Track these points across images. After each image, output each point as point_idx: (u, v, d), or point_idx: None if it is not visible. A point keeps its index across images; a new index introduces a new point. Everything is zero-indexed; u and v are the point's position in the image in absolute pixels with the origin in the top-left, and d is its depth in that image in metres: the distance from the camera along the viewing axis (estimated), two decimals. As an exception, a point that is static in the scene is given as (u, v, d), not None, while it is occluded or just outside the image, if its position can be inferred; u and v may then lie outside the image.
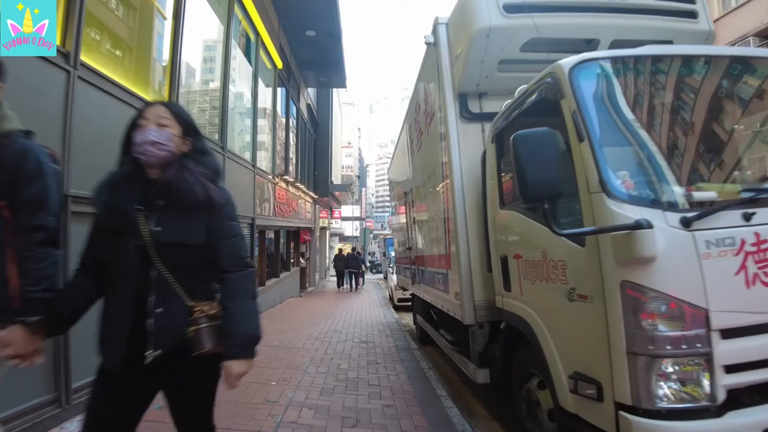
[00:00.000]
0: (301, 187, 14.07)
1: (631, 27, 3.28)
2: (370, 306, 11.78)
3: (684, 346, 1.73)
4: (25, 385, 2.92)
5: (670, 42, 3.18)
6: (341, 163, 29.41)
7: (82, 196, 3.21)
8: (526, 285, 2.65)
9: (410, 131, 6.14)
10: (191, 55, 6.01)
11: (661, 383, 1.75)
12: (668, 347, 1.74)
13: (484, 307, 3.35)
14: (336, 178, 21.92)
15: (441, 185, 4.11)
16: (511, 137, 1.97)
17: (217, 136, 6.94)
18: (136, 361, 1.37)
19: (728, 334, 1.75)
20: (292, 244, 14.44)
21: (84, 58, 3.53)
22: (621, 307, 1.81)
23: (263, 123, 10.35)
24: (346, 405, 3.77)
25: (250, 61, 9.05)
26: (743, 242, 1.79)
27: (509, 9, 3.15)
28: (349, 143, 36.50)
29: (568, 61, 2.23)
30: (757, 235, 1.80)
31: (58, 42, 3.25)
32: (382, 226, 49.96)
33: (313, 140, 17.55)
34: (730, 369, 1.73)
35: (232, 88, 7.80)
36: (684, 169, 2.08)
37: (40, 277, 1.41)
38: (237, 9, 7.79)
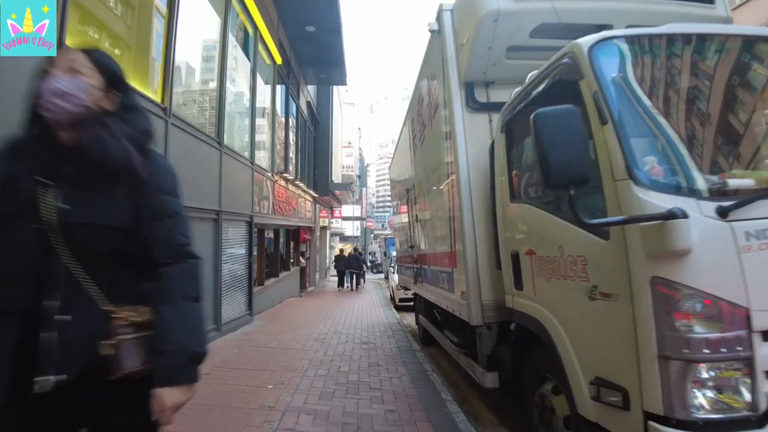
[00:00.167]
0: (301, 185, 13.91)
1: (646, 12, 3.12)
2: (370, 306, 11.60)
3: (722, 350, 1.56)
4: None
5: None
6: (342, 163, 29.22)
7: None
8: (539, 283, 2.47)
9: (412, 126, 5.97)
10: (186, 48, 5.83)
11: (697, 391, 1.59)
12: (705, 351, 1.57)
13: (493, 307, 3.18)
14: (336, 178, 21.78)
15: (446, 179, 3.94)
16: (532, 116, 1.78)
17: (214, 132, 6.77)
18: (29, 390, 1.02)
19: (772, 335, 1.58)
20: (291, 244, 14.26)
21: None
22: (651, 306, 1.64)
23: (262, 119, 10.18)
24: (346, 410, 3.59)
25: (248, 56, 8.88)
26: (787, 234, 1.62)
27: None
28: (350, 143, 36.30)
29: (587, 39, 2.07)
30: (802, 225, 1.63)
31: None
32: (382, 225, 49.78)
33: (313, 138, 17.39)
34: (774, 375, 1.56)
35: (229, 85, 7.63)
36: (717, 154, 1.91)
37: None
38: (234, 1, 7.62)
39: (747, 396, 1.56)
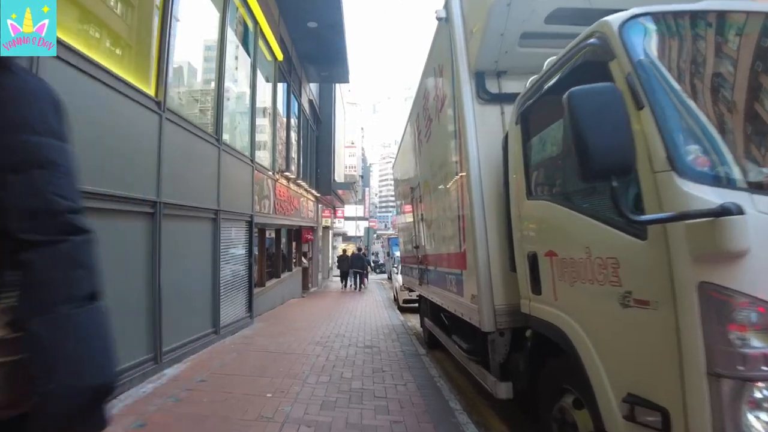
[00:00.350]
0: (303, 184, 13.71)
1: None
2: (374, 307, 11.38)
3: (783, 367, 1.35)
4: None
5: None
6: (345, 163, 29.01)
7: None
8: (561, 287, 2.25)
9: (417, 122, 5.75)
10: (182, 40, 5.63)
11: (753, 414, 1.37)
12: (764, 368, 1.36)
13: (506, 312, 2.96)
14: (339, 177, 21.58)
15: (454, 176, 3.73)
16: (565, 95, 1.56)
17: (212, 128, 6.57)
18: None
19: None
20: (293, 244, 14.06)
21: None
22: (699, 316, 1.42)
23: (263, 117, 9.98)
24: (349, 421, 3.37)
25: (248, 51, 8.67)
26: None
27: None
28: (353, 143, 36.04)
29: (617, 17, 1.86)
30: None
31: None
32: (385, 226, 49.54)
33: (316, 137, 17.19)
34: None
35: (228, 81, 7.43)
36: (769, 142, 1.68)
37: None
38: (234, -5, 7.43)
39: (812, 420, 1.35)
